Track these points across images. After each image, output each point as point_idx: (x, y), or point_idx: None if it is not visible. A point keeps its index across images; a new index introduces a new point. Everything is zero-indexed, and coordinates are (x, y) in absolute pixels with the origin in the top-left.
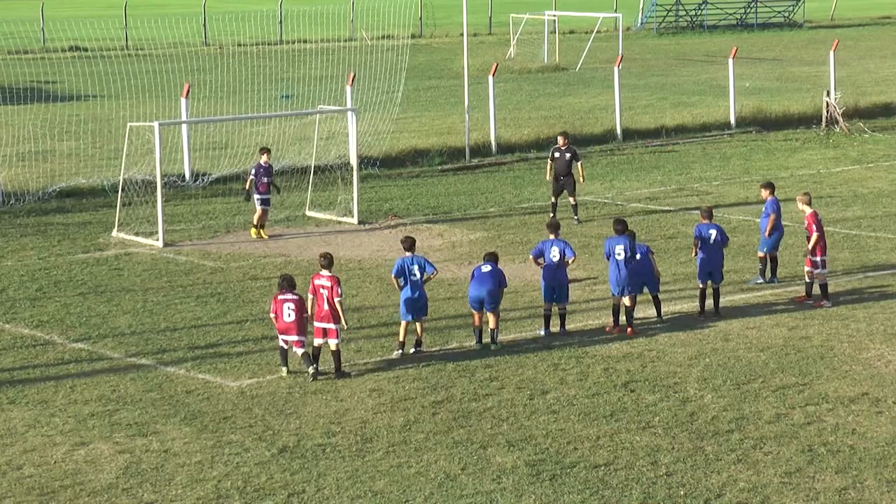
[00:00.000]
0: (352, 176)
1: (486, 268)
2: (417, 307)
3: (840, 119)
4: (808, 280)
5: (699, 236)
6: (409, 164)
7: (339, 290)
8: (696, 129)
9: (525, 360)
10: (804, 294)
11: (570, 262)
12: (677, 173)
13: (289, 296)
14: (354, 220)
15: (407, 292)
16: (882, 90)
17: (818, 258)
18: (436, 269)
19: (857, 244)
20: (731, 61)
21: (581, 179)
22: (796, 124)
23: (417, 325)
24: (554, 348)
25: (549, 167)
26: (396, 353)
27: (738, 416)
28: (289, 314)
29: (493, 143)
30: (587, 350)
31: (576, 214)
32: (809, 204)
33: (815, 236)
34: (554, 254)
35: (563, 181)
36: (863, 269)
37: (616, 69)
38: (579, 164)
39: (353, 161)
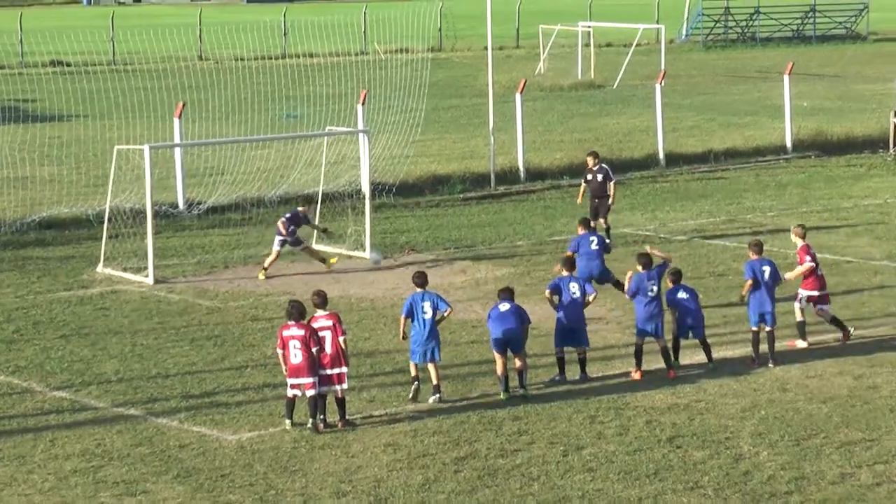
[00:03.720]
0: (364, 205)
1: (505, 306)
2: (428, 349)
3: None
4: (799, 318)
5: (752, 275)
6: (427, 193)
7: (343, 328)
8: (747, 154)
9: (558, 411)
10: (842, 335)
11: (590, 300)
12: (727, 203)
13: (294, 330)
14: (367, 255)
15: (416, 331)
16: None
17: (813, 293)
18: (450, 306)
19: None
20: (786, 78)
21: (611, 201)
22: (860, 148)
23: (431, 369)
24: (590, 398)
25: (581, 190)
26: (413, 388)
27: (797, 475)
28: (295, 354)
29: (521, 168)
30: (627, 401)
31: (608, 238)
32: (803, 237)
33: (806, 266)
34: (573, 290)
35: (598, 203)
36: None
37: (658, 86)
38: (612, 183)
39: (366, 188)
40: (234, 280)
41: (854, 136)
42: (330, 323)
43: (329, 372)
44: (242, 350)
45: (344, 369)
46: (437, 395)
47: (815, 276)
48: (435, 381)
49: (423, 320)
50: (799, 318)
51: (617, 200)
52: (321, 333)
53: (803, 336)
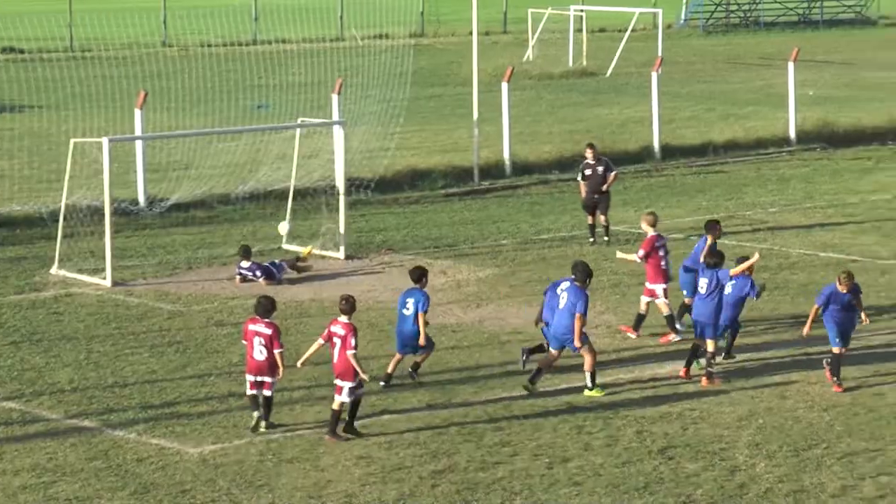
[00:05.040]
0: (338, 202)
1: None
2: (405, 344)
3: None
4: (641, 312)
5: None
6: (406, 188)
7: (353, 342)
8: (749, 146)
9: (543, 421)
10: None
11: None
12: (727, 198)
13: (261, 326)
14: (341, 255)
15: (398, 325)
16: None
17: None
18: (426, 309)
19: None
20: (791, 65)
21: (605, 187)
22: (869, 140)
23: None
24: (577, 408)
25: (582, 187)
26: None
27: (796, 488)
28: (260, 351)
29: (506, 162)
30: (616, 409)
31: (607, 235)
32: (654, 226)
33: (640, 254)
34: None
35: (598, 198)
36: None
37: (654, 74)
38: (612, 174)
39: (340, 184)
40: (198, 282)
41: (862, 128)
42: (342, 332)
43: (335, 381)
44: (206, 357)
45: (347, 383)
46: (413, 371)
47: (661, 268)
48: (418, 362)
49: (402, 316)
50: (665, 311)
51: (610, 196)
52: (334, 339)
53: (674, 328)
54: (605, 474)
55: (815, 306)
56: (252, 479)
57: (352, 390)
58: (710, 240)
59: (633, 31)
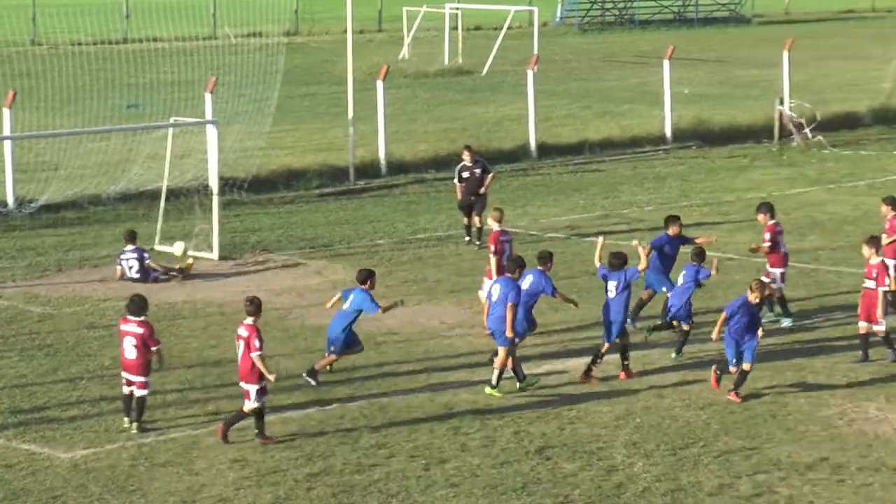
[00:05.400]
0: (212, 202)
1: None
2: (328, 339)
3: (795, 132)
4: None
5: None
6: (281, 188)
7: (257, 343)
8: (625, 145)
9: (420, 422)
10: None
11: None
12: (603, 197)
13: (132, 325)
14: (214, 256)
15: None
16: (845, 97)
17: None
18: (373, 310)
19: (815, 280)
20: (666, 63)
21: (483, 190)
22: (744, 138)
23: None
24: (454, 409)
25: (458, 189)
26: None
27: (674, 487)
28: (129, 350)
29: (382, 161)
30: (493, 410)
31: (479, 239)
32: (500, 221)
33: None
34: (494, 291)
35: (475, 200)
36: (822, 310)
37: (530, 72)
38: (489, 176)
39: (214, 184)
40: (69, 284)
41: (737, 125)
42: (246, 334)
43: (241, 384)
44: (77, 360)
45: (252, 386)
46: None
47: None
48: (316, 366)
49: (339, 312)
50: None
51: (486, 198)
52: (238, 341)
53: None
54: (482, 475)
55: (724, 314)
56: (124, 485)
57: (259, 393)
58: (672, 232)
59: (508, 28)
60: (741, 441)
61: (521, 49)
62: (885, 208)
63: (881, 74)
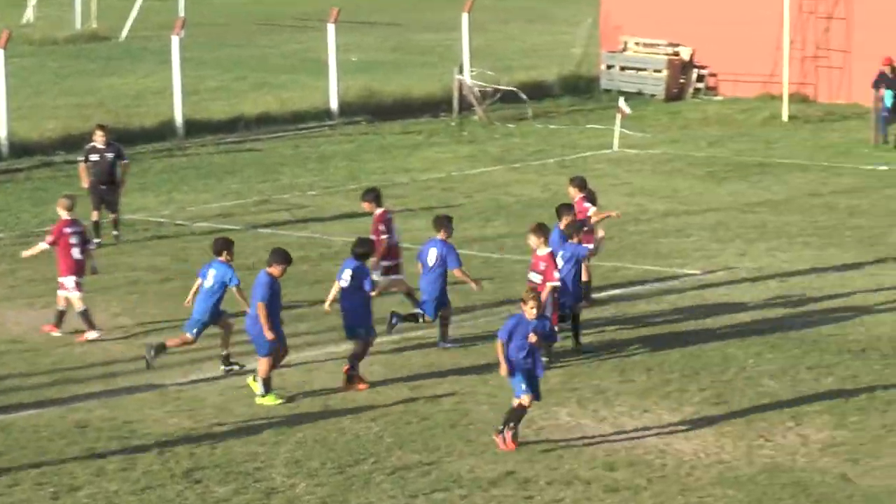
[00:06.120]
0: None
1: None
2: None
3: (477, 104)
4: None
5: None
6: None
7: None
8: (285, 120)
9: (47, 444)
10: None
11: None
12: (261, 180)
13: None
14: None
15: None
16: (532, 63)
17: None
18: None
19: (499, 271)
20: (331, 27)
21: (123, 187)
22: (419, 112)
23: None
24: (88, 426)
25: (82, 172)
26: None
27: None
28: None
29: (3, 142)
30: (133, 428)
31: (116, 230)
32: (70, 210)
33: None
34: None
35: (106, 190)
36: (508, 303)
37: (175, 38)
38: (125, 162)
39: None
40: None
41: (412, 98)
42: None
43: None
44: None
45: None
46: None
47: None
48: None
49: (202, 289)
50: (79, 307)
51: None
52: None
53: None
54: (119, 503)
55: (499, 341)
56: None
57: None
58: (563, 224)
59: None
60: (417, 455)
61: (165, 11)
62: (572, 190)
63: (570, 39)
